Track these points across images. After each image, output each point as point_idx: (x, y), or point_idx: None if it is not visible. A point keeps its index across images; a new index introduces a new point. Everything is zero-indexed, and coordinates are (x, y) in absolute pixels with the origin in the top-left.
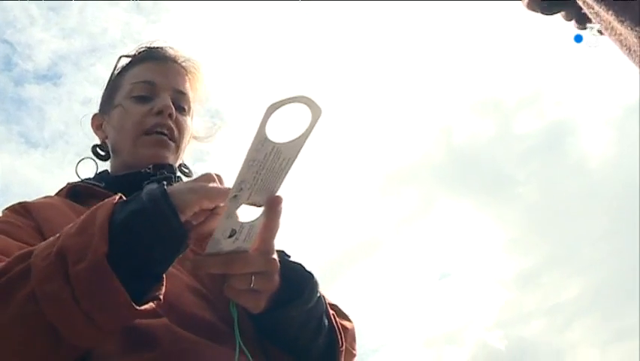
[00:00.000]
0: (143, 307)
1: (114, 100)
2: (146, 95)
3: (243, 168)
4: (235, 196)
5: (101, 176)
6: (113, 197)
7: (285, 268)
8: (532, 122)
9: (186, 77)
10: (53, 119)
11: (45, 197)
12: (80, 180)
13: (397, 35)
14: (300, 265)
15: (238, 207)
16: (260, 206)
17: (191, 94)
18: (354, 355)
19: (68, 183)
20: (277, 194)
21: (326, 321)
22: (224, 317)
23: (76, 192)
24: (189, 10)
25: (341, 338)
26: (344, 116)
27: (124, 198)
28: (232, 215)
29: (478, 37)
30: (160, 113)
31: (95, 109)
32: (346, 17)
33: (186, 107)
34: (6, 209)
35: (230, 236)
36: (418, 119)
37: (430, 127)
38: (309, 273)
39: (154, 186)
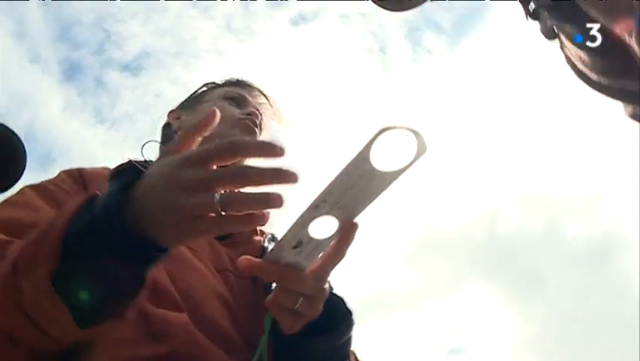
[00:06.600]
0: (99, 326)
1: (202, 100)
2: (237, 102)
3: (335, 180)
4: (316, 206)
5: None
6: (81, 198)
7: (328, 298)
8: (582, 228)
9: (264, 105)
10: (125, 102)
11: (104, 168)
12: (143, 160)
13: (468, 110)
14: (342, 299)
15: (315, 218)
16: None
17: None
18: None
19: (129, 160)
20: (356, 220)
21: None
22: (242, 331)
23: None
24: (279, 35)
25: None
26: None
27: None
28: (306, 225)
29: (546, 130)
30: (250, 114)
31: (166, 104)
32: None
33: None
34: (63, 171)
35: (295, 247)
36: (466, 194)
37: (477, 206)
38: (349, 310)
39: (115, 187)
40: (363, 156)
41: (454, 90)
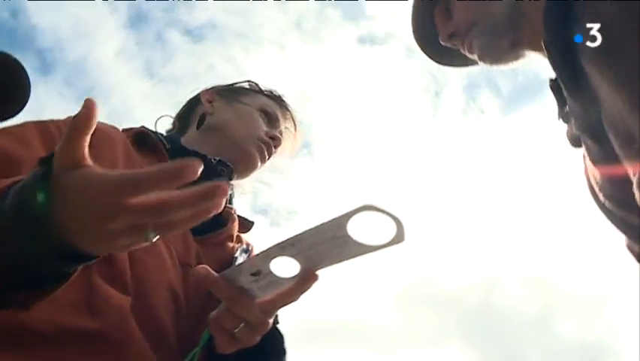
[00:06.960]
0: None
1: (241, 99)
2: (271, 120)
3: (308, 231)
4: (283, 247)
5: (172, 138)
6: (12, 179)
7: (269, 332)
8: (576, 327)
9: (288, 132)
10: (177, 65)
11: (112, 127)
12: (153, 130)
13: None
14: (282, 336)
15: (277, 256)
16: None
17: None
18: None
19: (142, 127)
20: (317, 272)
21: None
22: (182, 331)
23: (142, 138)
24: (344, 48)
25: None
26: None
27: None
28: (269, 258)
29: (571, 221)
30: (273, 138)
31: (214, 78)
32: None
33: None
34: (71, 117)
35: (253, 275)
36: (472, 256)
37: (479, 272)
38: (284, 350)
39: (36, 178)
40: (340, 222)
41: (494, 154)
